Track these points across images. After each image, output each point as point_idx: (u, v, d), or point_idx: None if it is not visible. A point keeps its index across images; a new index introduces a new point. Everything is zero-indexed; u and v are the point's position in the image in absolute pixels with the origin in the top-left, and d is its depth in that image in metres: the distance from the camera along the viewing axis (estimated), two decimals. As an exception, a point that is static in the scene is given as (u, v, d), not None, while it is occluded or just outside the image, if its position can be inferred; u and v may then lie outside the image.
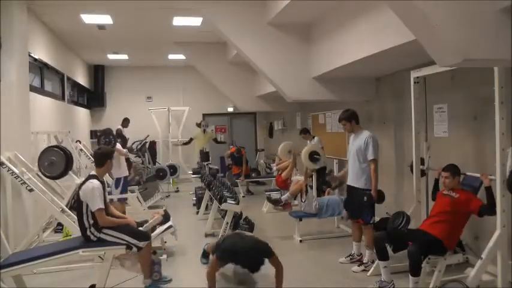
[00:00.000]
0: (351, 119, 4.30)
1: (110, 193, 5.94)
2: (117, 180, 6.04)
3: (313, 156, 5.41)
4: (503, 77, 3.17)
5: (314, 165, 5.37)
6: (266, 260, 3.51)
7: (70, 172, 5.29)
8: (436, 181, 3.93)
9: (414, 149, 4.21)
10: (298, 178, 5.78)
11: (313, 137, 7.24)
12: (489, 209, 3.33)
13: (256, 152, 11.54)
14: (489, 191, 3.34)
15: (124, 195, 5.98)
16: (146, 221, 4.27)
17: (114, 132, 9.24)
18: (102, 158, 3.75)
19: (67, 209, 4.73)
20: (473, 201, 3.45)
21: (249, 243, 3.50)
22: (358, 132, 4.31)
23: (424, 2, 2.26)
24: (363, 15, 4.37)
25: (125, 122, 9.30)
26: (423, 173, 4.27)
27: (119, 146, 6.24)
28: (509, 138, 3.19)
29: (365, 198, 4.13)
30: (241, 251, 3.37)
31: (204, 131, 9.62)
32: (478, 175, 3.54)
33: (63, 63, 8.46)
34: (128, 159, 7.47)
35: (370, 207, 4.21)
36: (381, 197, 4.22)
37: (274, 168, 7.98)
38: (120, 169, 6.15)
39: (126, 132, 9.30)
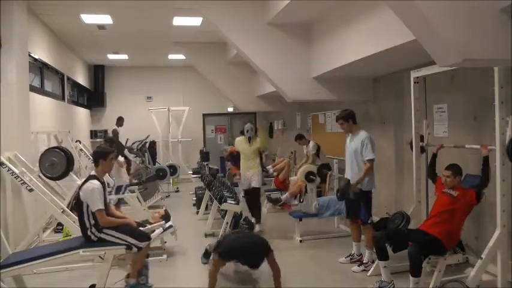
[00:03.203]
0: (348, 118, 4.31)
1: (109, 193, 5.99)
2: (118, 188, 6.10)
3: (309, 176, 5.44)
4: (503, 77, 3.17)
5: (310, 185, 5.41)
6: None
7: (71, 173, 5.29)
8: (434, 156, 3.96)
9: (414, 149, 4.22)
10: (296, 178, 5.79)
11: (309, 142, 7.25)
12: (483, 179, 3.39)
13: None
14: (486, 160, 3.38)
15: (120, 196, 6.01)
16: (146, 221, 4.27)
17: (110, 133, 9.27)
18: (97, 158, 3.75)
19: (68, 210, 4.73)
20: (469, 191, 3.50)
21: (249, 238, 3.56)
22: (355, 133, 4.32)
23: (424, 2, 2.27)
24: (363, 15, 4.38)
25: (120, 121, 9.30)
26: (423, 150, 4.28)
27: (121, 158, 6.30)
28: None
29: (352, 195, 4.14)
30: (242, 246, 3.44)
31: (250, 139, 5.99)
32: (478, 146, 3.55)
33: (63, 63, 8.46)
34: (126, 158, 7.50)
35: (367, 207, 4.23)
36: (357, 195, 4.14)
37: (271, 170, 7.98)
38: (121, 177, 6.22)
39: (123, 131, 9.31)
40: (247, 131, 5.99)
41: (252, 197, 5.98)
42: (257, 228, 5.50)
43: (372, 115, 6.31)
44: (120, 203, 6.14)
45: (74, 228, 4.43)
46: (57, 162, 4.98)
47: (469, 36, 2.35)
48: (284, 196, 5.80)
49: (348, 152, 4.37)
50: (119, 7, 6.42)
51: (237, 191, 5.66)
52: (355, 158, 4.22)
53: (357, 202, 4.23)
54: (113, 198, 5.79)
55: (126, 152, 8.17)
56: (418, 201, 4.20)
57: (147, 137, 9.69)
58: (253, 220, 5.64)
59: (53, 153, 5.05)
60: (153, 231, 4.17)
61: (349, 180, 4.16)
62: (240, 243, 3.57)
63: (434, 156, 3.98)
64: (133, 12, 6.74)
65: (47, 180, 5.25)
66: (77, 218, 4.46)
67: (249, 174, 5.96)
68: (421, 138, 4.27)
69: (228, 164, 9.66)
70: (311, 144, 7.13)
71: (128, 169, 7.47)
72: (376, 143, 4.30)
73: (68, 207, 4.90)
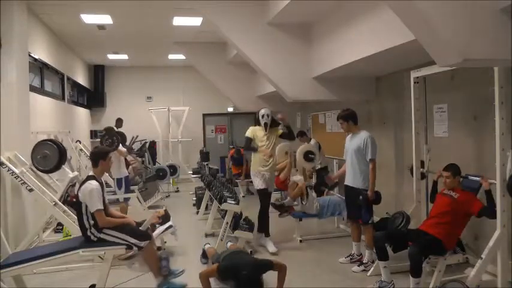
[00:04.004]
0: (348, 118, 4.31)
1: (114, 193, 5.97)
2: (119, 181, 6.05)
3: (308, 155, 5.40)
4: (503, 77, 3.17)
5: (309, 164, 5.35)
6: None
7: (63, 166, 5.27)
8: (435, 183, 3.93)
9: (414, 149, 4.22)
10: (297, 178, 5.76)
11: (310, 139, 7.24)
12: (489, 212, 3.33)
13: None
14: (489, 195, 3.34)
15: (128, 195, 5.99)
16: (152, 225, 4.27)
17: None
18: (96, 158, 3.74)
19: (60, 203, 4.70)
20: (474, 202, 3.44)
21: (250, 263, 3.47)
22: (355, 133, 4.32)
23: (424, 2, 2.27)
24: (363, 15, 4.37)
25: (119, 122, 9.27)
26: (423, 176, 4.27)
27: (122, 148, 6.23)
28: (509, 139, 3.19)
29: (360, 197, 4.14)
30: (243, 271, 3.33)
31: (266, 125, 5.10)
32: (478, 179, 3.54)
33: (63, 63, 8.46)
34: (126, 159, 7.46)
35: (368, 207, 4.22)
36: (377, 197, 4.21)
37: None
38: (120, 170, 6.15)
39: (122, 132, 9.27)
40: (262, 117, 5.06)
41: (265, 201, 5.12)
42: (272, 247, 4.93)
43: (372, 115, 6.31)
44: (128, 199, 6.13)
45: (69, 224, 4.42)
46: (49, 155, 4.95)
47: (469, 36, 2.35)
48: (286, 200, 5.78)
49: (348, 152, 4.36)
50: (119, 7, 6.42)
51: (237, 191, 5.65)
52: (356, 157, 4.22)
53: (357, 202, 4.23)
54: (120, 196, 5.81)
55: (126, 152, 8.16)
56: (418, 201, 4.20)
57: (136, 137, 9.60)
58: (266, 243, 5.01)
59: (45, 146, 5.02)
60: (153, 227, 4.15)
61: (366, 194, 4.14)
62: (241, 267, 3.37)
63: (435, 183, 3.93)
64: (133, 12, 6.74)
65: (40, 173, 5.19)
66: (69, 211, 4.49)
67: (266, 173, 5.03)
68: (422, 164, 4.26)
69: (228, 164, 9.68)
70: (312, 142, 7.12)
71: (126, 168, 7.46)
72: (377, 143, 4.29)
73: (60, 200, 4.85)
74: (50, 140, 5.26)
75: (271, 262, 3.51)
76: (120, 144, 6.20)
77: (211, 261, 3.96)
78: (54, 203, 4.57)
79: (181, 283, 3.87)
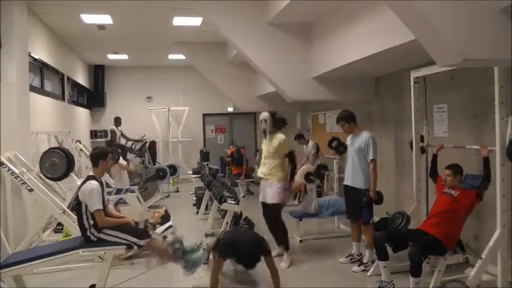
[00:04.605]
0: (349, 120, 4.31)
1: (109, 193, 5.99)
2: (119, 190, 6.10)
3: (309, 177, 5.44)
4: (503, 77, 3.17)
5: (310, 185, 5.41)
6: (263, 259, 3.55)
7: (71, 174, 5.31)
8: (434, 157, 3.97)
9: (414, 149, 4.22)
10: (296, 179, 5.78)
11: (308, 141, 7.24)
12: (484, 179, 3.40)
13: (256, 152, 11.54)
14: (486, 161, 3.40)
15: (120, 196, 6.01)
16: (146, 221, 4.28)
17: (109, 133, 9.24)
18: (96, 158, 3.75)
19: (68, 210, 4.73)
20: (471, 191, 3.51)
21: (248, 235, 3.57)
22: (356, 133, 4.32)
23: (424, 2, 2.27)
24: (363, 15, 4.38)
25: (117, 121, 9.29)
26: (423, 150, 4.29)
27: (122, 161, 6.28)
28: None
29: (364, 198, 4.13)
30: (240, 243, 3.44)
31: (265, 133, 4.57)
32: (478, 147, 3.59)
33: (63, 63, 8.46)
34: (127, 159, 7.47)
35: (369, 207, 4.22)
36: (379, 198, 4.21)
37: None
38: (122, 181, 6.20)
39: (122, 131, 9.27)
40: (260, 122, 4.57)
41: (267, 215, 4.59)
42: (285, 262, 4.47)
43: (372, 115, 6.31)
44: (118, 203, 6.14)
45: (74, 228, 4.44)
46: (57, 163, 5.00)
47: (469, 36, 2.35)
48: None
49: (349, 153, 4.36)
50: (119, 7, 6.42)
51: (237, 191, 5.66)
52: (358, 157, 4.22)
53: (358, 202, 4.22)
54: (112, 198, 5.81)
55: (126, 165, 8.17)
56: (418, 201, 4.20)
57: (143, 136, 9.64)
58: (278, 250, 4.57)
59: (54, 154, 5.07)
60: (153, 226, 4.16)
61: (367, 195, 4.14)
62: (239, 239, 3.56)
63: (435, 157, 3.99)
64: (133, 12, 6.75)
65: (48, 180, 5.24)
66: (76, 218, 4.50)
67: (263, 183, 4.57)
68: (421, 138, 4.27)
69: (228, 163, 9.67)
70: (310, 143, 7.12)
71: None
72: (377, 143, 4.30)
73: (68, 208, 4.91)
74: (58, 148, 5.31)
75: (268, 247, 3.60)
76: (121, 157, 6.27)
77: (211, 250, 4.00)
78: (62, 210, 4.59)
79: (197, 253, 3.83)
